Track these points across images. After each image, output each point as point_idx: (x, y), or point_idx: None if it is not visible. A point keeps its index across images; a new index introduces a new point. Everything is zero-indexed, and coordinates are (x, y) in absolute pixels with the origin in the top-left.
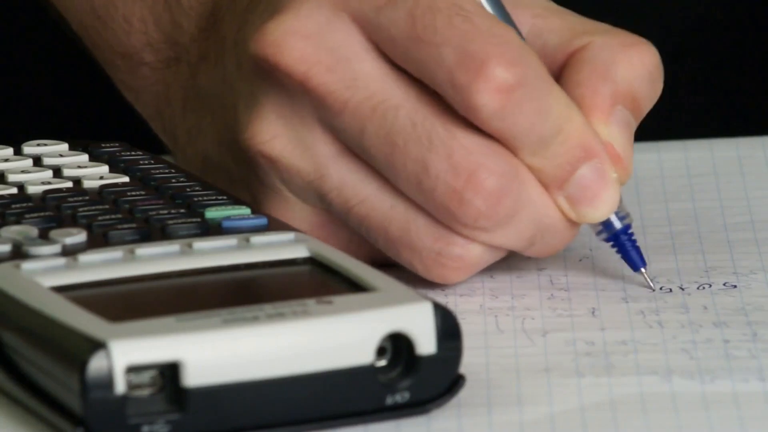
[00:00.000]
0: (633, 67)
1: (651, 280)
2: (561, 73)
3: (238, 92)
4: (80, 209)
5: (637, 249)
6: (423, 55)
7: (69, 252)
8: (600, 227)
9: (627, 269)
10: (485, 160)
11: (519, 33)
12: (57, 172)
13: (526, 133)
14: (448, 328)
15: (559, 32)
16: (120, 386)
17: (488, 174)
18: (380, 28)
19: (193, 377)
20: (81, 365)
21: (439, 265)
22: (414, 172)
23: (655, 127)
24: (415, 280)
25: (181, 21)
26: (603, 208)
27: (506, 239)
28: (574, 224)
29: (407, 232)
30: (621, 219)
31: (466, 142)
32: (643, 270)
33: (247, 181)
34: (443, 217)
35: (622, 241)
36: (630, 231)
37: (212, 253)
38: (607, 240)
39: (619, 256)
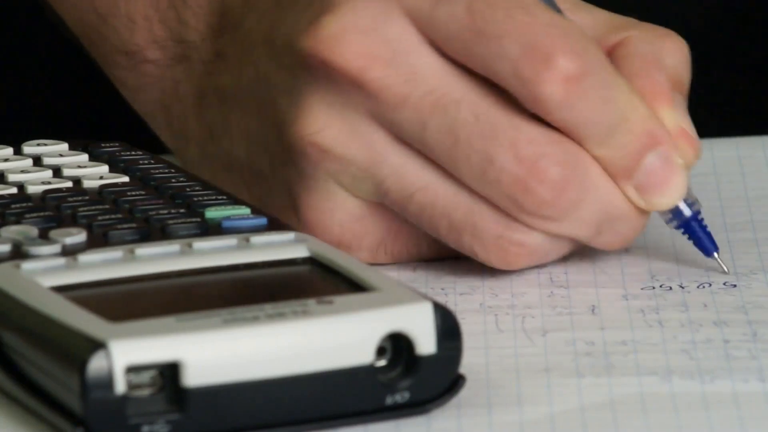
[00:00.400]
0: (675, 56)
1: (725, 266)
2: None
3: (277, 88)
4: (80, 209)
5: (709, 234)
6: (484, 49)
7: (69, 252)
8: (670, 215)
9: (627, 267)
10: (549, 150)
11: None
12: (57, 171)
13: (592, 123)
14: (448, 327)
15: (592, 27)
16: (120, 386)
17: (552, 163)
18: (437, 22)
19: (193, 377)
20: (81, 365)
21: (500, 249)
22: (478, 164)
23: None
24: (416, 278)
25: (187, 19)
26: (672, 194)
27: (572, 229)
28: (643, 213)
29: (471, 217)
30: (690, 205)
31: (529, 132)
32: (716, 255)
33: (284, 176)
34: (508, 206)
35: (693, 227)
36: (700, 217)
37: (212, 253)
38: (678, 227)
39: (699, 246)
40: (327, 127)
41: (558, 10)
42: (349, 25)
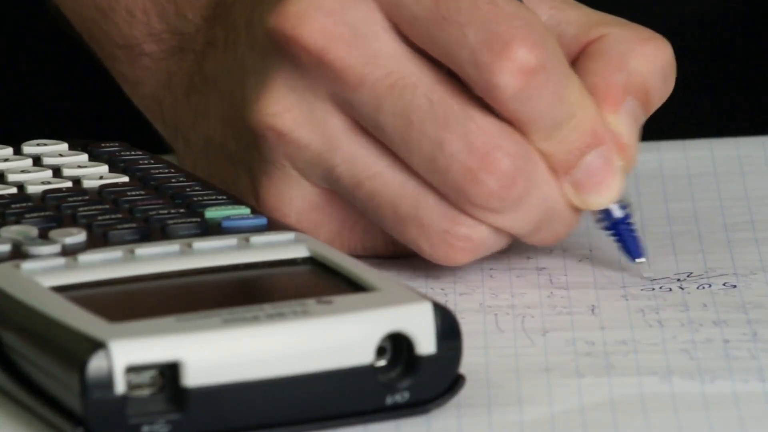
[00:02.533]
0: (647, 61)
1: (649, 271)
2: (576, 62)
3: (248, 69)
4: (80, 209)
5: (636, 239)
6: (446, 35)
7: (69, 252)
8: (600, 215)
9: (628, 265)
10: (501, 141)
11: None
12: (57, 171)
13: (541, 117)
14: (448, 327)
15: (575, 23)
16: (120, 386)
17: (503, 155)
18: (402, 7)
19: (193, 377)
20: (81, 365)
21: (445, 244)
22: (429, 150)
23: (655, 126)
24: (415, 278)
25: (185, 12)
26: (607, 195)
27: (514, 222)
28: (577, 212)
29: (416, 210)
30: (622, 208)
31: (482, 122)
32: (641, 260)
33: (247, 159)
34: (455, 196)
35: (621, 230)
36: (630, 221)
37: (212, 253)
38: (607, 228)
39: (625, 250)
40: (286, 110)
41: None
42: (314, 4)
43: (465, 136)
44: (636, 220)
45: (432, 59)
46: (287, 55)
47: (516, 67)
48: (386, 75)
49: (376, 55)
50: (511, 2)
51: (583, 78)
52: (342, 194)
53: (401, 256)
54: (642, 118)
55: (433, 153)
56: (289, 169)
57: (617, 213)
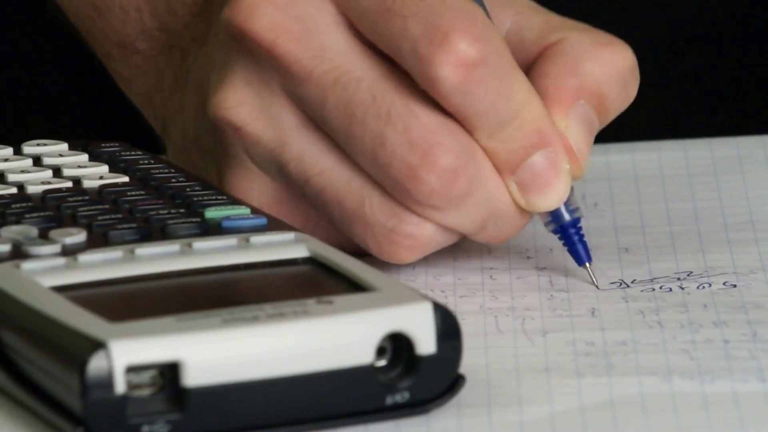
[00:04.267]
0: (603, 66)
1: (595, 277)
2: (532, 66)
3: (213, 62)
4: (80, 209)
5: (584, 243)
6: (390, 27)
7: (69, 252)
8: (549, 218)
9: (627, 267)
10: (442, 139)
11: (487, 14)
12: (57, 171)
13: (484, 113)
14: (448, 328)
15: (536, 28)
16: (120, 386)
17: (444, 152)
18: (353, 0)
19: (193, 377)
20: (81, 365)
21: (390, 242)
22: (371, 145)
23: (654, 126)
24: (416, 278)
25: (176, 8)
26: (552, 197)
27: (458, 221)
28: (525, 212)
29: (362, 207)
30: (571, 212)
31: (424, 119)
32: (587, 265)
33: (215, 152)
34: (397, 192)
35: (569, 233)
36: (579, 225)
37: (212, 253)
38: (555, 232)
39: (571, 254)
40: (242, 103)
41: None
42: None
43: (406, 131)
44: (636, 221)
45: (383, 54)
46: (243, 49)
47: (455, 60)
48: (332, 69)
49: (323, 49)
50: None
51: (536, 80)
52: (295, 189)
53: (364, 253)
54: (596, 124)
55: (374, 148)
56: (248, 163)
57: (565, 216)
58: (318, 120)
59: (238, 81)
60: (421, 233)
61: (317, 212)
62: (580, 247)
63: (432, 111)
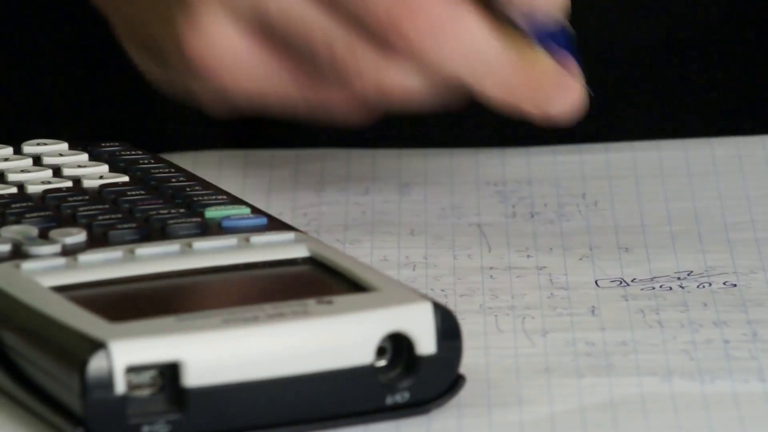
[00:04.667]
0: None
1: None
2: None
3: None
4: (80, 209)
5: (574, 51)
6: None
7: (69, 252)
8: (532, 25)
9: (627, 267)
10: None
11: None
12: (57, 171)
13: None
14: (448, 328)
15: None
16: (120, 386)
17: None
18: None
19: (193, 377)
20: (81, 365)
21: (380, 92)
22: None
23: (655, 126)
24: (416, 278)
25: None
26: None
27: (444, 63)
28: (522, 66)
29: (352, 56)
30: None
31: None
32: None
33: (166, 16)
34: (380, 41)
35: (555, 41)
36: (567, 39)
37: (212, 253)
38: (539, 39)
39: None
40: None
41: None
42: None
43: None
44: (636, 220)
45: None
46: None
47: None
48: None
49: None
50: None
51: None
52: (277, 38)
53: (320, 121)
54: None
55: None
56: (217, 10)
57: (548, 25)
58: None
59: None
60: (409, 82)
61: (285, 62)
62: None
63: None
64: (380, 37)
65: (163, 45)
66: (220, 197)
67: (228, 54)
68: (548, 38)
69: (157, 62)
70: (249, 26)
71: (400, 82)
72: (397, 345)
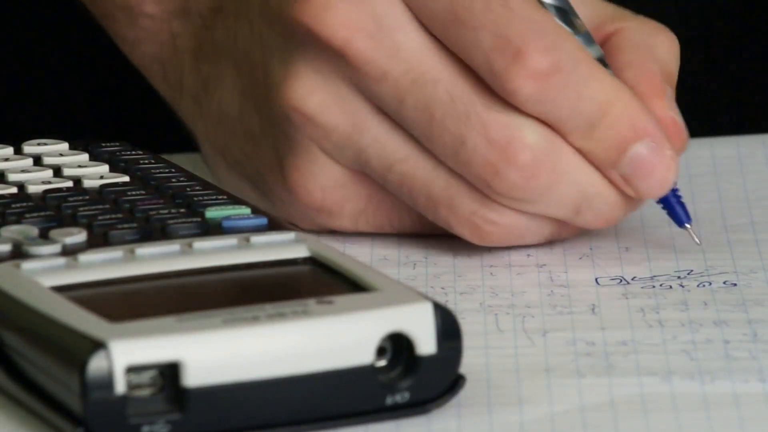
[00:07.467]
0: (667, 49)
1: (697, 237)
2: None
3: (269, 49)
4: (80, 209)
5: (684, 206)
6: (461, 36)
7: (69, 252)
8: None
9: (627, 266)
10: (520, 134)
11: (569, 11)
12: (57, 171)
13: (569, 117)
14: (448, 328)
15: (588, 18)
16: (120, 386)
17: (523, 147)
18: (422, 1)
19: (193, 377)
20: (81, 365)
21: (473, 225)
22: (451, 144)
23: None
24: (416, 278)
25: None
26: (660, 183)
27: (546, 209)
28: (630, 198)
29: (447, 192)
30: None
31: (502, 116)
32: (688, 226)
33: (271, 134)
34: (481, 187)
35: (670, 200)
36: (676, 188)
37: (212, 253)
38: (657, 201)
39: (672, 217)
40: (311, 93)
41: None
42: None
43: (484, 130)
44: (636, 221)
45: (455, 54)
46: (310, 42)
47: (529, 72)
48: (408, 70)
49: (398, 49)
50: (526, 4)
51: (618, 73)
52: (372, 176)
53: (430, 233)
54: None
55: (455, 147)
56: (314, 148)
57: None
58: (395, 117)
59: (306, 70)
60: (503, 220)
61: (384, 196)
62: (679, 209)
63: (510, 108)
64: (480, 181)
65: (264, 173)
66: (220, 197)
67: (322, 190)
68: (666, 197)
69: (252, 185)
70: (346, 163)
71: (494, 219)
72: (397, 345)
